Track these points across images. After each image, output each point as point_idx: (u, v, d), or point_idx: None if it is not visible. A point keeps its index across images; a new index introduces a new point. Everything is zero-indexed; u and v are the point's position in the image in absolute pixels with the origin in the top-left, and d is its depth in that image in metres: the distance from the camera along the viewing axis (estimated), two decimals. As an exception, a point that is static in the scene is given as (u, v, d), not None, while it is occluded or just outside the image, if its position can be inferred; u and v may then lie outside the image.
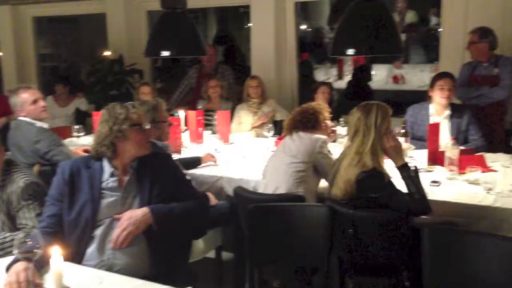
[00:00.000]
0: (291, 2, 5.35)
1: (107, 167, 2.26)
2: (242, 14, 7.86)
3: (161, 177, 2.29)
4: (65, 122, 5.71)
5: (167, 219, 2.23)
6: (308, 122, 3.03)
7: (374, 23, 3.15)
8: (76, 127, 4.37)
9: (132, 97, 5.77)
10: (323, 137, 3.00)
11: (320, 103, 3.23)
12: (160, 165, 2.34)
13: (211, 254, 3.35)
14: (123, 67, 6.09)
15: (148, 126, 2.32)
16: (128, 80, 6.09)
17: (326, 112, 3.15)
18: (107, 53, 6.32)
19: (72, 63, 8.31)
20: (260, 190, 3.02)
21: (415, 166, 2.55)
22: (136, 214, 2.18)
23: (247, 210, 2.50)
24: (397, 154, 2.52)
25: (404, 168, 2.49)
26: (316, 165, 2.91)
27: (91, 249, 2.19)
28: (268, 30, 5.34)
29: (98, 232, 2.20)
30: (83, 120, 5.62)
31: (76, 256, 2.17)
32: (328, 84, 4.86)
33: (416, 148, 3.63)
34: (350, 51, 3.15)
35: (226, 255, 3.51)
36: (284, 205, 2.55)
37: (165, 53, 3.83)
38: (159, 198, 2.25)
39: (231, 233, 3.37)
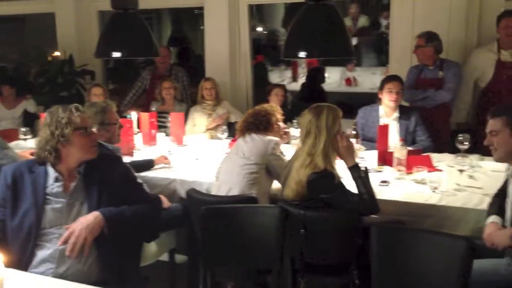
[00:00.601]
0: (245, 4, 5.36)
1: (51, 172, 2.20)
2: (197, 15, 7.81)
3: (110, 181, 2.24)
4: (12, 124, 5.51)
5: (118, 222, 2.19)
6: (260, 124, 3.05)
7: (324, 26, 3.20)
8: (23, 129, 4.23)
9: (83, 98, 5.63)
10: (276, 139, 3.03)
11: (273, 105, 3.26)
12: (108, 168, 2.29)
13: (164, 257, 3.32)
14: (73, 68, 5.94)
15: (94, 130, 2.27)
16: (79, 81, 5.94)
17: (278, 114, 3.17)
18: (56, 53, 6.14)
19: (20, 64, 8.01)
20: (213, 192, 3.01)
21: (366, 167, 2.61)
22: (87, 219, 2.12)
23: (199, 212, 2.49)
24: (348, 154, 2.57)
25: (354, 169, 2.55)
26: (269, 167, 2.94)
27: (39, 256, 2.12)
28: (222, 32, 5.34)
29: (44, 239, 2.14)
30: (31, 122, 5.43)
31: (20, 263, 2.10)
32: (282, 86, 4.90)
33: (367, 149, 3.73)
34: (302, 54, 3.19)
35: (179, 257, 3.48)
36: (236, 207, 2.55)
37: (116, 54, 3.76)
38: (109, 203, 2.21)
39: (185, 235, 3.35)
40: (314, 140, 2.52)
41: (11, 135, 4.47)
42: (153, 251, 3.04)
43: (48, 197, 2.17)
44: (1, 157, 3.28)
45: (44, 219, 2.14)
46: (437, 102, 4.11)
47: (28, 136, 4.16)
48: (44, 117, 2.22)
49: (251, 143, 3.00)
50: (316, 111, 2.58)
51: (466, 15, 4.48)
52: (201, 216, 2.47)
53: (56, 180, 2.19)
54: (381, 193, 2.83)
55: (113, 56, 3.77)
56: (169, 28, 9.33)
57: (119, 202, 2.23)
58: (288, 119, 4.02)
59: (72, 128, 2.15)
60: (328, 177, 2.47)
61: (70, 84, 5.90)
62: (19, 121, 5.59)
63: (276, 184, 3.00)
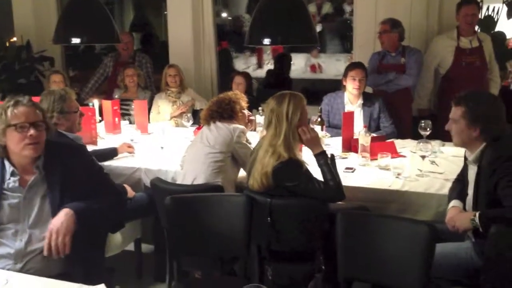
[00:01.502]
0: (208, -10, 5.28)
1: (7, 166, 2.13)
2: (160, 0, 7.65)
3: (73, 173, 2.18)
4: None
5: (87, 216, 2.14)
6: (224, 112, 3.03)
7: (288, 13, 3.19)
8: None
9: (42, 86, 5.45)
10: (241, 127, 3.01)
11: (237, 93, 3.23)
12: (71, 160, 2.21)
13: (130, 247, 3.28)
14: (31, 54, 5.73)
15: (26, 126, 2.08)
16: (38, 68, 5.74)
17: (243, 102, 3.15)
18: (14, 39, 5.92)
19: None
20: (179, 181, 2.98)
21: (332, 154, 2.63)
22: (60, 218, 2.07)
23: (165, 202, 2.46)
24: (314, 144, 2.57)
25: (321, 156, 2.55)
26: (234, 155, 2.92)
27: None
28: (185, 18, 5.24)
29: (1, 235, 2.08)
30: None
31: None
32: (243, 74, 4.81)
33: (332, 136, 3.76)
34: (266, 41, 3.18)
35: (145, 247, 3.46)
36: (202, 196, 2.53)
37: (76, 40, 3.65)
38: (73, 196, 2.15)
39: (150, 224, 3.32)
40: (275, 130, 2.49)
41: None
42: (118, 241, 3.00)
43: (4, 191, 2.10)
44: None
45: (0, 214, 2.08)
46: (399, 86, 4.17)
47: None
48: None
49: (215, 131, 2.97)
50: (277, 100, 2.54)
51: (427, 2, 4.56)
52: (167, 205, 2.44)
53: (12, 174, 2.12)
54: (346, 179, 2.87)
55: (72, 42, 3.66)
56: (131, 13, 9.10)
57: (83, 195, 2.18)
58: (254, 106, 4.01)
59: (4, 125, 2.07)
60: (293, 165, 2.47)
61: (28, 71, 5.69)
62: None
63: (242, 173, 2.99)
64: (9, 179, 2.11)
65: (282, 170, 2.44)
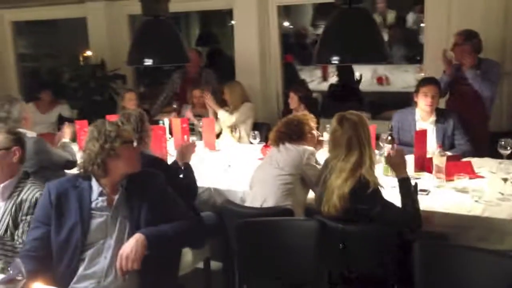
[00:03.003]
0: (274, 6, 5.29)
1: (95, 186, 2.21)
2: (225, 14, 7.76)
3: (150, 196, 2.24)
4: (47, 129, 5.59)
5: (160, 242, 2.18)
6: (293, 133, 2.99)
7: (358, 30, 3.12)
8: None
9: (115, 103, 5.69)
10: (310, 148, 2.97)
11: (306, 113, 3.18)
12: (149, 183, 2.29)
13: (199, 264, 3.32)
14: (105, 72, 5.99)
15: (135, 143, 2.28)
16: (111, 86, 5.99)
17: (312, 122, 3.11)
18: (88, 53, 6.20)
19: (54, 68, 8.14)
20: (248, 203, 2.98)
21: (416, 183, 2.56)
22: (131, 244, 2.11)
23: (235, 225, 2.47)
24: (400, 167, 2.53)
25: (405, 181, 2.49)
26: (304, 177, 2.89)
27: (80, 271, 2.14)
28: (251, 34, 5.28)
29: (88, 254, 2.16)
30: (64, 127, 5.50)
31: (63, 279, 2.12)
32: (293, 88, 4.66)
33: (403, 154, 3.63)
34: (335, 60, 3.12)
35: (214, 264, 3.48)
36: (272, 220, 2.53)
37: (148, 62, 3.77)
38: (150, 219, 2.20)
39: (219, 244, 3.34)
40: (359, 156, 2.46)
41: (46, 139, 4.52)
42: (188, 260, 3.05)
43: (92, 211, 2.18)
44: (31, 165, 3.28)
45: (89, 234, 2.16)
46: (478, 85, 3.93)
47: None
48: (90, 130, 2.23)
49: (285, 153, 2.95)
50: (350, 124, 2.50)
51: (505, 12, 4.32)
52: (237, 229, 2.45)
53: (101, 194, 2.20)
54: (420, 202, 2.75)
55: (145, 64, 3.78)
56: (197, 25, 9.30)
57: (160, 219, 2.22)
58: (318, 120, 3.94)
59: (120, 142, 2.17)
60: (372, 187, 2.41)
61: (102, 88, 5.95)
62: (55, 126, 5.67)
63: (311, 194, 2.95)
64: (97, 199, 2.19)
65: (360, 192, 2.39)
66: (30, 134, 3.48)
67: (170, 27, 3.89)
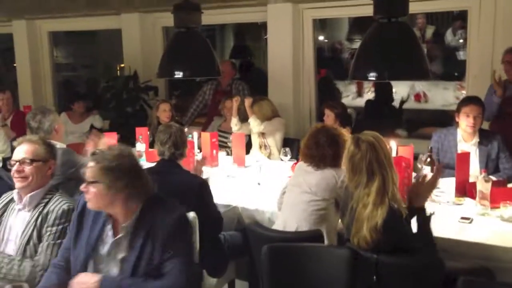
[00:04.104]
0: (309, 19, 5.16)
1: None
2: (260, 26, 7.69)
3: (154, 236, 2.03)
4: (79, 139, 5.60)
5: None
6: (326, 157, 2.76)
7: (397, 45, 2.97)
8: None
9: (146, 115, 5.65)
10: (345, 170, 2.79)
11: (345, 134, 2.90)
12: (160, 218, 2.06)
13: (224, 286, 3.19)
14: (137, 83, 5.98)
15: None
16: (143, 97, 5.97)
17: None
18: (122, 65, 6.22)
19: (90, 79, 8.25)
20: (276, 225, 2.83)
21: (431, 213, 2.40)
22: (84, 280, 2.02)
23: (264, 250, 2.31)
24: (422, 197, 2.36)
25: (422, 212, 2.33)
26: (338, 201, 2.71)
27: None
28: (285, 48, 5.15)
29: None
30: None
31: None
32: (328, 105, 4.48)
33: (442, 176, 3.41)
34: (371, 76, 2.96)
35: (239, 283, 3.34)
36: (301, 246, 2.37)
37: (178, 75, 3.70)
38: (147, 260, 2.02)
39: (245, 264, 3.20)
40: (381, 181, 2.26)
41: (78, 149, 4.51)
42: (212, 283, 2.92)
43: (101, 237, 2.10)
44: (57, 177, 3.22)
45: (92, 257, 2.09)
46: None
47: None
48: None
49: (318, 176, 2.75)
50: (367, 146, 2.29)
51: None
52: (263, 254, 2.30)
53: (108, 222, 2.12)
54: (462, 231, 2.56)
55: (175, 76, 3.72)
56: (232, 38, 9.28)
57: (155, 265, 2.03)
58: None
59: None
60: (403, 217, 2.24)
61: (134, 100, 5.94)
62: (86, 136, 5.68)
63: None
64: (106, 226, 2.12)
65: (392, 222, 2.21)
66: (60, 145, 3.45)
67: (202, 40, 3.84)
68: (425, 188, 2.38)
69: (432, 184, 2.43)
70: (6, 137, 4.98)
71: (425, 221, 2.31)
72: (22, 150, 2.41)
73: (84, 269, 2.07)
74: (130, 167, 2.04)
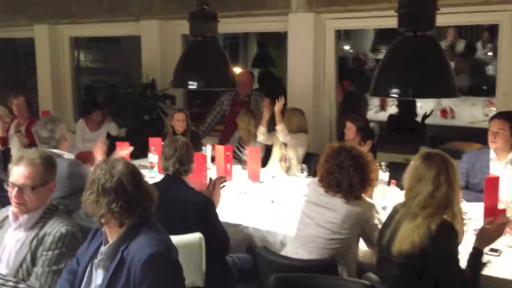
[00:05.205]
0: (331, 30, 4.98)
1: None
2: (283, 35, 7.57)
3: (128, 270, 1.85)
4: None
5: None
6: (354, 186, 2.48)
7: (421, 61, 2.78)
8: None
9: (163, 123, 5.55)
10: (371, 202, 2.57)
11: (371, 160, 2.63)
12: (136, 253, 1.85)
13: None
14: (155, 92, 5.89)
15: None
16: (160, 106, 5.87)
17: (374, 169, 2.67)
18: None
19: (111, 86, 8.22)
20: (289, 251, 2.63)
21: (489, 260, 2.30)
22: None
23: (273, 279, 2.14)
24: (488, 240, 2.24)
25: (479, 254, 2.18)
26: (361, 235, 2.53)
27: None
28: (306, 58, 4.97)
29: None
30: (112, 145, 5.41)
31: None
32: (351, 118, 4.26)
33: (468, 200, 3.19)
34: (394, 93, 2.78)
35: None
36: (312, 276, 2.18)
37: (192, 85, 3.57)
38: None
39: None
40: (446, 194, 2.18)
41: (88, 156, 4.41)
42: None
43: (96, 259, 1.97)
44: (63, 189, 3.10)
45: (86, 275, 1.98)
46: None
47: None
48: None
49: (341, 209, 2.48)
50: (439, 159, 2.22)
51: None
52: (272, 284, 2.13)
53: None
54: (489, 265, 2.34)
55: (189, 87, 3.60)
56: (255, 49, 9.16)
57: None
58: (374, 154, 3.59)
59: None
60: (456, 236, 2.18)
61: (151, 108, 5.84)
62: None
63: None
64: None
65: (446, 235, 2.13)
66: (67, 155, 3.36)
67: (218, 49, 3.73)
68: (491, 232, 2.24)
69: (500, 231, 2.28)
70: (20, 144, 4.94)
71: (477, 261, 2.16)
72: (22, 174, 2.18)
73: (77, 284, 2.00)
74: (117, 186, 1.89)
